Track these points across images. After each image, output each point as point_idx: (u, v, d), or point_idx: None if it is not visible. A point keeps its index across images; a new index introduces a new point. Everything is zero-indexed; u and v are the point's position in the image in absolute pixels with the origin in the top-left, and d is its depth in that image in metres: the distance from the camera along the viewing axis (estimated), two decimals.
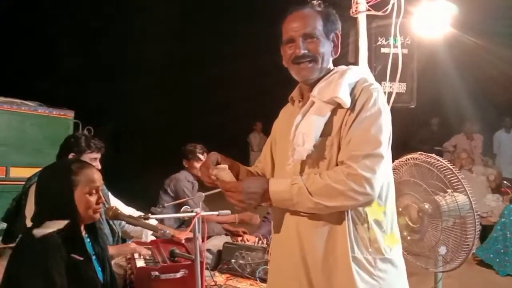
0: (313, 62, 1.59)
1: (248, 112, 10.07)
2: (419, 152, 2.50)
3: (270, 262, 1.80)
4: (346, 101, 1.51)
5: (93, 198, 1.93)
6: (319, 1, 1.67)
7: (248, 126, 10.63)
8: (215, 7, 10.49)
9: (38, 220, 1.87)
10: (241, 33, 9.85)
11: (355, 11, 2.81)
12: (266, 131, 9.95)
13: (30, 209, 2.57)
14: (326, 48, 1.61)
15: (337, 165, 1.51)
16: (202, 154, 4.10)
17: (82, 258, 1.81)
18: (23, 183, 2.75)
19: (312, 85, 1.63)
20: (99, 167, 2.68)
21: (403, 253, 2.51)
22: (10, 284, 1.74)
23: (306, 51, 1.58)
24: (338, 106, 1.54)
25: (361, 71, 1.66)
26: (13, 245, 1.94)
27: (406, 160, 2.53)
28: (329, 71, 1.65)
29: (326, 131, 1.54)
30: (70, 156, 2.67)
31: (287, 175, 1.58)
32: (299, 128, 1.57)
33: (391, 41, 2.84)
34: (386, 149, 1.49)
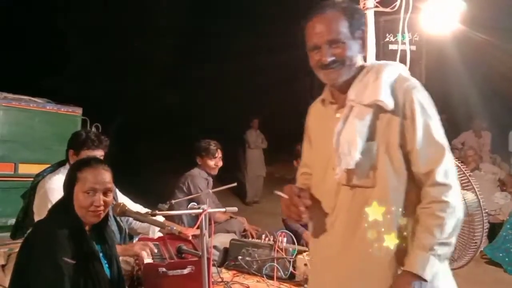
0: (340, 65, 1.52)
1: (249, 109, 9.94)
2: None
3: (310, 266, 1.85)
4: (389, 104, 1.46)
5: (89, 198, 1.88)
6: None
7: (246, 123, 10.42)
8: (223, 5, 10.49)
9: (47, 214, 1.92)
10: (246, 31, 9.85)
11: (363, 7, 2.80)
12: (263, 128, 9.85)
13: (38, 204, 2.59)
14: (353, 50, 1.53)
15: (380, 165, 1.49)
16: (217, 150, 3.94)
17: (74, 262, 1.79)
18: (31, 179, 2.75)
19: (341, 87, 1.57)
20: None
21: None
22: (21, 276, 1.77)
23: (333, 58, 1.50)
24: (379, 108, 1.49)
25: (397, 68, 1.60)
26: (21, 240, 1.97)
27: None
28: (360, 69, 1.57)
29: (369, 136, 1.50)
30: (70, 153, 2.67)
31: (330, 182, 1.56)
32: (342, 135, 1.51)
33: (399, 37, 2.83)
34: (448, 146, 1.49)
